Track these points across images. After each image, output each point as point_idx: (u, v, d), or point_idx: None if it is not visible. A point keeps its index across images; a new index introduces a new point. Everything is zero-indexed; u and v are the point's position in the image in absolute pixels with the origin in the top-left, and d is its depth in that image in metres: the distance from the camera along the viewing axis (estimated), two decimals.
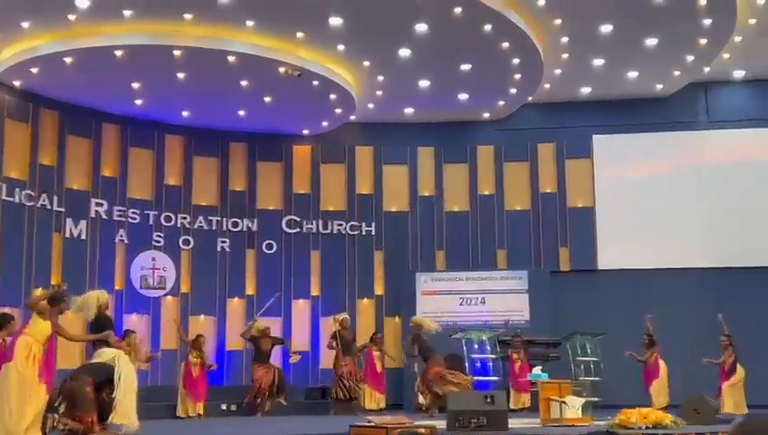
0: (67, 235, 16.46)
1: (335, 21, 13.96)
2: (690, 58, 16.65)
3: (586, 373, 15.66)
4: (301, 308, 18.52)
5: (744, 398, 14.47)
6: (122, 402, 8.98)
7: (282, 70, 15.02)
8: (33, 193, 15.89)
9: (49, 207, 16.17)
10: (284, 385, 15.13)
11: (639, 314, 17.16)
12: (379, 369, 16.14)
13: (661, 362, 15.20)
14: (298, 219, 18.81)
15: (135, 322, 17.25)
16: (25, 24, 13.85)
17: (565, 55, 16.29)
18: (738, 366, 14.55)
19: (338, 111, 17.58)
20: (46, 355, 8.78)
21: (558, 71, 17.06)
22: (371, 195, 19.20)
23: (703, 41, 15.72)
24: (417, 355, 15.30)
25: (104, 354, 9.46)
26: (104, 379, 9.11)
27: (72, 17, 13.57)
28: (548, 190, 19.11)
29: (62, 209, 16.42)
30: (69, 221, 16.51)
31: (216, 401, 15.39)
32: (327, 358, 17.11)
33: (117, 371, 9.09)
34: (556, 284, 18.31)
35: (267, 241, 18.56)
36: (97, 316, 11.37)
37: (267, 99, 16.69)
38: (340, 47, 15.07)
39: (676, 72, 17.50)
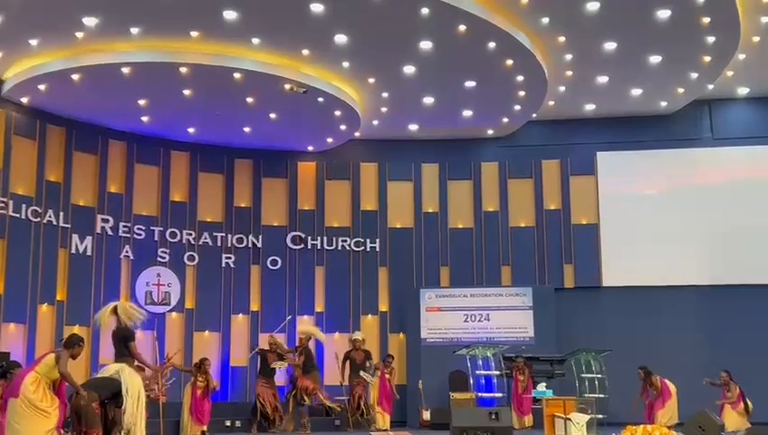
0: (73, 250, 16.52)
1: (340, 38, 14.06)
2: (694, 75, 16.71)
3: (591, 390, 15.61)
4: (305, 324, 18.50)
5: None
6: (132, 414, 9.01)
7: (287, 87, 15.11)
8: (39, 209, 15.97)
9: (55, 222, 16.24)
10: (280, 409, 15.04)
11: (644, 330, 17.18)
12: (388, 390, 16.06)
13: (670, 384, 15.11)
14: (303, 235, 18.85)
15: (139, 338, 17.23)
16: (33, 42, 13.97)
17: (569, 72, 16.36)
18: (747, 401, 14.42)
19: (343, 127, 17.65)
20: (58, 385, 8.73)
21: (562, 88, 17.13)
22: (376, 211, 19.25)
23: (707, 58, 15.78)
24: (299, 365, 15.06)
25: (109, 369, 9.47)
26: (109, 394, 9.14)
27: (79, 35, 13.70)
28: (552, 207, 19.15)
29: (69, 225, 16.49)
30: (75, 237, 16.57)
31: (220, 417, 15.38)
32: (331, 375, 17.10)
33: (123, 384, 9.10)
34: (561, 300, 18.30)
35: (272, 257, 18.60)
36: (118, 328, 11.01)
37: (273, 115, 16.78)
38: (346, 64, 15.16)
39: (680, 90, 17.56)
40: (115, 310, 9.84)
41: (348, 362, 16.15)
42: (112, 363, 9.66)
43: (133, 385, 9.18)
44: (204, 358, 14.98)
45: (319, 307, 18.65)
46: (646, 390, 15.10)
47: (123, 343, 9.70)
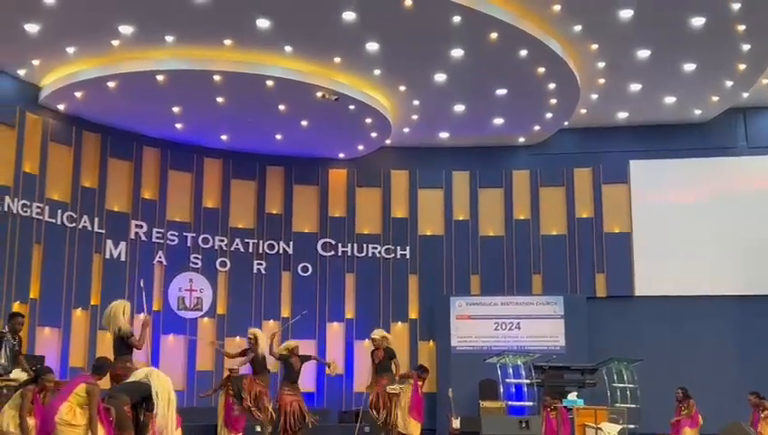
0: (107, 256, 16.74)
1: (372, 46, 14.12)
2: (729, 83, 16.54)
3: (622, 400, 15.47)
4: (335, 331, 18.57)
5: None
6: (163, 417, 9.07)
7: (319, 94, 15.19)
8: (74, 215, 16.19)
9: (90, 228, 16.46)
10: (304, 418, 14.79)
11: (676, 340, 16.99)
12: (420, 399, 15.72)
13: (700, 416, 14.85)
14: (333, 242, 18.92)
15: (171, 343, 17.46)
16: (70, 50, 14.21)
17: (602, 80, 16.27)
18: None
19: (374, 135, 17.70)
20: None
21: (594, 96, 17.04)
22: (406, 219, 19.26)
23: (742, 66, 15.62)
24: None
25: (138, 373, 9.54)
26: (140, 398, 9.20)
27: (115, 43, 13.90)
28: (584, 215, 19.03)
29: (103, 231, 16.70)
30: (109, 242, 16.78)
31: (249, 421, 15.40)
32: (361, 381, 17.10)
33: (153, 388, 9.15)
34: (592, 309, 18.17)
35: (303, 264, 18.68)
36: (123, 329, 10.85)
37: (304, 123, 16.88)
38: (377, 72, 15.22)
39: (715, 98, 17.38)
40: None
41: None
42: (141, 368, 9.76)
43: (163, 388, 9.23)
44: (231, 369, 14.68)
45: (349, 314, 18.69)
46: (679, 410, 14.93)
47: (122, 342, 10.45)
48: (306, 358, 14.93)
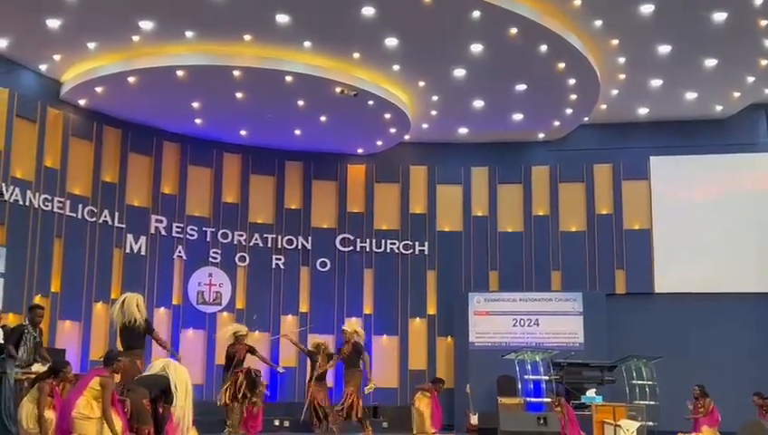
0: (127, 250, 16.85)
1: (391, 41, 14.11)
2: (750, 79, 16.38)
3: (641, 397, 15.39)
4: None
5: None
6: (181, 408, 9.15)
7: (338, 90, 15.21)
8: (95, 209, 16.31)
9: (110, 222, 16.57)
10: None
11: (696, 338, 16.86)
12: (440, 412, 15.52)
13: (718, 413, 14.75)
14: (352, 238, 18.94)
15: (191, 337, 17.56)
16: (91, 45, 14.30)
17: (622, 76, 16.17)
18: None
19: (392, 130, 17.70)
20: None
21: (615, 91, 16.94)
22: (425, 214, 19.25)
23: (764, 61, 15.47)
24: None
25: (155, 366, 9.60)
26: (159, 391, 9.27)
27: (135, 38, 13.98)
28: (604, 212, 18.93)
29: (123, 225, 16.82)
30: (129, 237, 16.89)
31: (269, 416, 15.47)
32: (378, 376, 17.10)
33: (171, 380, 9.22)
34: (612, 306, 18.09)
35: (321, 259, 18.72)
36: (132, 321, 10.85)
37: (323, 118, 16.90)
38: (396, 67, 15.21)
39: (736, 94, 17.24)
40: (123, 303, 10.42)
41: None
42: (157, 360, 9.82)
43: (180, 380, 9.29)
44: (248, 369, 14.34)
45: (367, 309, 18.71)
46: (697, 408, 14.83)
47: (141, 335, 10.64)
48: (332, 355, 14.56)
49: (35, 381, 9.10)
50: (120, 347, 10.46)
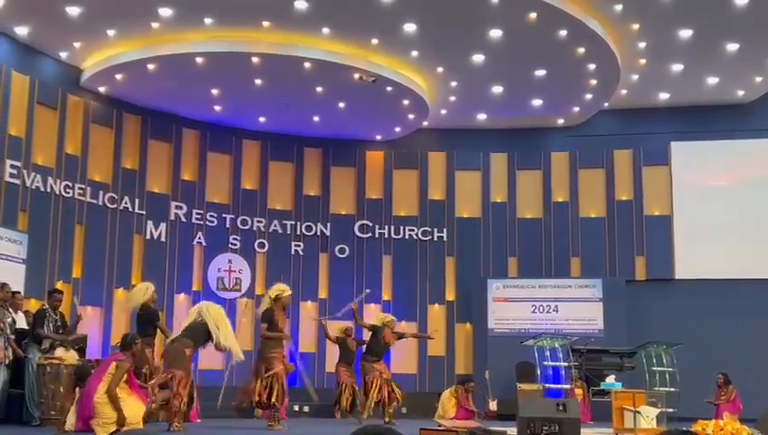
0: (148, 237, 16.95)
1: (409, 27, 14.07)
2: None
3: (661, 384, 15.32)
4: (372, 313, 18.56)
5: None
6: (226, 339, 9.69)
7: (356, 76, 15.19)
8: (115, 196, 16.41)
9: (131, 209, 16.67)
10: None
11: (717, 324, 16.76)
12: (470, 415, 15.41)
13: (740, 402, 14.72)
14: (370, 224, 18.96)
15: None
16: (111, 32, 14.36)
17: (643, 61, 16.05)
18: None
19: (411, 116, 17.67)
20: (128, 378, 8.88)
21: (635, 76, 16.81)
22: (443, 201, 19.22)
23: None
24: None
25: (191, 313, 9.94)
26: (204, 340, 9.75)
27: (155, 25, 14.03)
28: (624, 198, 18.83)
29: (144, 212, 16.91)
30: (149, 223, 16.99)
31: (289, 401, 15.54)
32: (397, 362, 17.18)
33: (210, 323, 9.54)
34: (631, 293, 18.01)
35: (340, 245, 18.76)
36: (144, 308, 11.14)
37: (341, 105, 16.90)
38: (414, 53, 15.17)
39: (758, 78, 17.06)
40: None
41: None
42: (192, 308, 10.41)
43: (218, 318, 9.67)
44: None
45: (386, 296, 18.74)
46: (719, 394, 14.80)
47: (150, 323, 10.99)
48: (401, 335, 14.43)
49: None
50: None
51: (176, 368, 9.40)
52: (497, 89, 16.76)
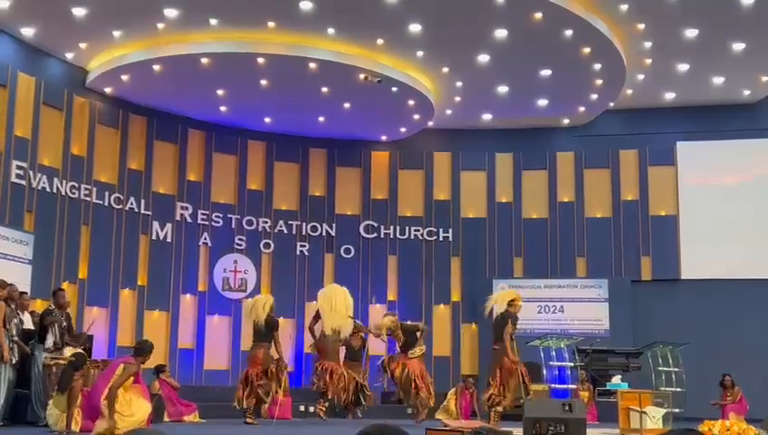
0: (153, 237, 16.98)
1: (414, 27, 14.06)
2: None
3: (667, 384, 15.30)
4: (378, 313, 18.58)
5: None
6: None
7: (362, 76, 15.20)
8: (121, 196, 16.44)
9: (137, 210, 16.70)
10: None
11: (723, 324, 16.72)
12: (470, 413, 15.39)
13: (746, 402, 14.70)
14: (376, 225, 18.96)
15: (216, 323, 17.69)
16: (117, 33, 14.39)
17: (648, 60, 16.02)
18: None
19: (416, 117, 17.66)
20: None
21: (641, 76, 16.78)
22: (449, 201, 19.21)
23: None
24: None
25: (247, 304, 11.49)
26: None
27: (160, 26, 14.05)
28: (630, 198, 18.80)
29: (149, 212, 16.94)
30: (155, 224, 17.02)
31: (293, 402, 15.55)
32: None
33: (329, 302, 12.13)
34: (637, 293, 17.99)
35: (345, 246, 18.76)
36: (267, 319, 12.10)
37: (347, 105, 16.90)
38: (419, 53, 15.16)
39: (765, 78, 17.01)
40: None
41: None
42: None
43: (336, 300, 12.68)
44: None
45: (391, 296, 18.74)
46: (725, 395, 14.78)
47: (271, 331, 12.07)
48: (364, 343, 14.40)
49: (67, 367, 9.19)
50: (252, 340, 12.24)
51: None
52: (503, 89, 16.75)
